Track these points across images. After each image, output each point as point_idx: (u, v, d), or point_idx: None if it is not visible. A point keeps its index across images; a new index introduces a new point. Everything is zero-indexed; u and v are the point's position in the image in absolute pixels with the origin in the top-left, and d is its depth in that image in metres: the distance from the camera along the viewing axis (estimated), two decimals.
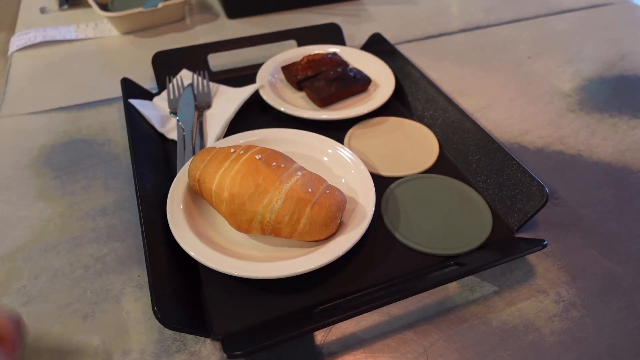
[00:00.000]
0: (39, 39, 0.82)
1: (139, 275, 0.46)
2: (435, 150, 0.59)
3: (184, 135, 0.58)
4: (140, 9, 0.82)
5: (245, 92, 0.65)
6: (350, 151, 0.54)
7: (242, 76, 0.71)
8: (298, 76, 0.66)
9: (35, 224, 0.51)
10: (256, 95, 0.65)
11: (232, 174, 0.45)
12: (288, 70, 0.68)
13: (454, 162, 0.57)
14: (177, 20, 0.89)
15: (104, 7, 0.86)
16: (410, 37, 0.85)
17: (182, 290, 0.42)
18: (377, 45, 0.75)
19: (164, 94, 0.66)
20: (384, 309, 0.43)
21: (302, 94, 0.68)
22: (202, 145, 0.58)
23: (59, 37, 0.83)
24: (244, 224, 0.44)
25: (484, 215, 0.50)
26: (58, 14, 0.92)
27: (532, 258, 0.48)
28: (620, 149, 0.61)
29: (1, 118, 0.66)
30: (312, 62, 0.68)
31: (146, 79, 0.70)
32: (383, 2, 0.98)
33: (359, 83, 0.66)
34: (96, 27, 0.86)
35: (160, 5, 0.83)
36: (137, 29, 0.86)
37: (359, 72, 0.67)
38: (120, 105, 0.67)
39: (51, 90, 0.71)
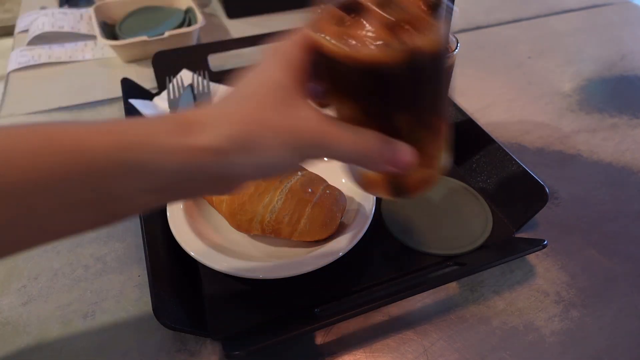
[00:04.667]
0: (43, 59, 0.77)
1: (139, 275, 0.46)
2: None
3: None
4: (144, 38, 0.73)
5: None
6: None
7: None
8: None
9: None
10: None
11: None
12: None
13: (453, 162, 0.57)
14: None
15: (111, 27, 0.80)
16: None
17: (182, 290, 0.42)
18: None
19: (164, 94, 0.66)
20: (384, 309, 0.43)
21: None
22: None
23: (64, 58, 0.78)
24: (244, 224, 0.44)
25: (484, 215, 0.50)
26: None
27: (532, 258, 0.48)
28: (620, 149, 0.61)
29: (1, 118, 0.66)
30: None
31: (146, 79, 0.70)
32: None
33: None
34: (103, 48, 0.80)
35: (166, 34, 0.74)
36: (142, 58, 0.77)
37: None
38: (120, 105, 0.67)
39: (51, 90, 0.71)
